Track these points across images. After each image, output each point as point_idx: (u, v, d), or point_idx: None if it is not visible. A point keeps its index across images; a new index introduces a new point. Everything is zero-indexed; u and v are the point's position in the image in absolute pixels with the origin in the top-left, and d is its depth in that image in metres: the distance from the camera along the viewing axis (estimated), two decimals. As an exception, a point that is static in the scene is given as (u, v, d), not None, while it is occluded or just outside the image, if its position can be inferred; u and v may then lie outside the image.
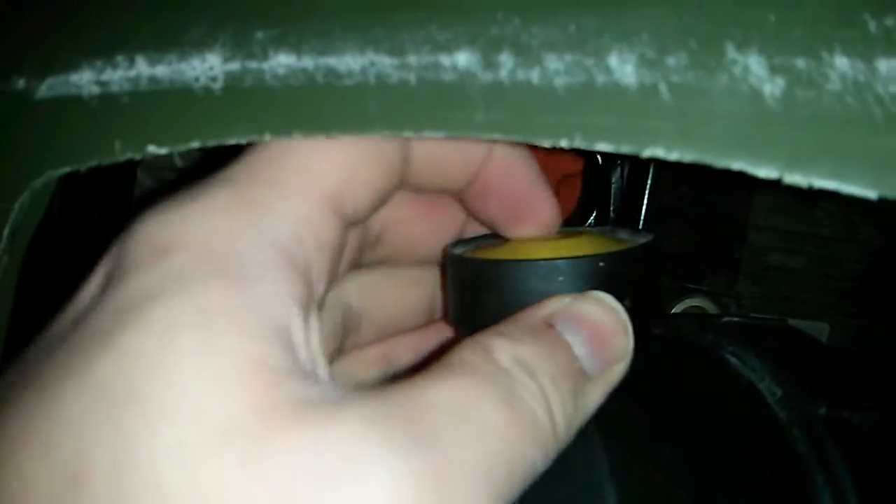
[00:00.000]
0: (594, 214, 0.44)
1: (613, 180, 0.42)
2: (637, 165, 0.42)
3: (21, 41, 0.28)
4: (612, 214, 0.42)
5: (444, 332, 0.31)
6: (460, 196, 0.27)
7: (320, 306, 0.21)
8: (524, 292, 0.23)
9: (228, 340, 0.17)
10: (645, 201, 0.41)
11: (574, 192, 0.44)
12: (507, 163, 0.26)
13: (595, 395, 0.21)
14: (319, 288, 0.21)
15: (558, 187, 0.43)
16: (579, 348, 0.21)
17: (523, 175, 0.26)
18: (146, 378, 0.17)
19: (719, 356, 0.29)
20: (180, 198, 0.20)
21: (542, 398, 0.19)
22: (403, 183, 0.24)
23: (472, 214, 0.28)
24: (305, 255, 0.20)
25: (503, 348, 0.20)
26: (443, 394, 0.18)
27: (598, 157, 0.42)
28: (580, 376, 0.21)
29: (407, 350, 0.30)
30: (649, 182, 0.41)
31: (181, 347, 0.17)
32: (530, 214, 0.27)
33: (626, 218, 0.42)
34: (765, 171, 0.17)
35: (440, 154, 0.25)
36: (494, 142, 0.25)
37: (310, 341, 0.19)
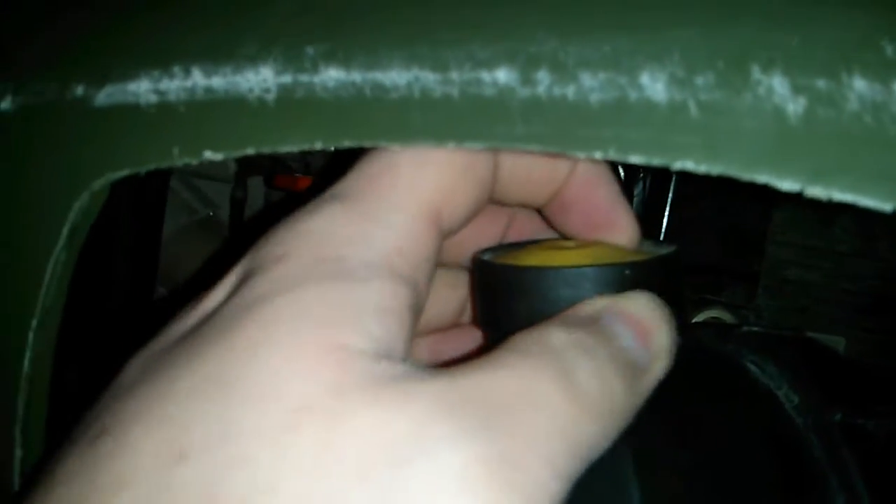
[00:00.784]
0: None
1: (636, 193, 0.43)
2: (659, 179, 0.43)
3: (77, 50, 0.29)
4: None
5: (465, 335, 0.31)
6: (541, 208, 0.28)
7: (418, 312, 0.22)
8: (552, 299, 0.24)
9: (317, 330, 0.19)
10: (666, 214, 0.42)
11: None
12: (589, 180, 0.26)
13: (645, 386, 0.21)
14: (419, 295, 0.22)
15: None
16: (626, 340, 0.21)
17: (604, 192, 0.27)
18: (246, 365, 0.18)
19: (739, 364, 0.29)
20: (300, 212, 0.22)
21: (599, 376, 0.20)
22: (491, 198, 0.25)
23: (549, 224, 0.29)
24: (407, 265, 0.21)
25: (557, 334, 0.21)
26: (504, 376, 0.19)
27: (621, 170, 0.43)
28: (631, 364, 0.21)
29: (428, 350, 0.31)
30: (671, 195, 0.42)
31: (277, 339, 0.19)
32: (609, 230, 0.27)
33: (648, 230, 0.42)
34: (787, 185, 0.18)
35: (526, 171, 0.25)
36: (577, 159, 0.26)
37: (406, 342, 0.20)
